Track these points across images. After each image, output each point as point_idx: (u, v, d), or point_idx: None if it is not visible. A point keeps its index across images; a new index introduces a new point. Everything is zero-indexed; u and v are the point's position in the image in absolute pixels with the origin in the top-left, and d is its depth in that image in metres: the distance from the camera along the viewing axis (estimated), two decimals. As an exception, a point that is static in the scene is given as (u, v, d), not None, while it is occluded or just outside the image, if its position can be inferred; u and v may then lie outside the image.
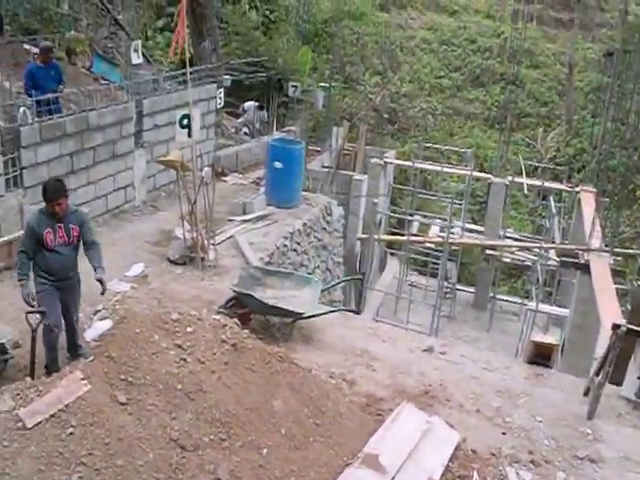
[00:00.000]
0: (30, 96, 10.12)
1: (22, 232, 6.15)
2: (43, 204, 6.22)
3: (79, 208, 6.53)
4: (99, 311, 7.60)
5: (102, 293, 6.42)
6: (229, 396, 5.53)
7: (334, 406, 6.34)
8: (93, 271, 6.33)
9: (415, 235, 15.98)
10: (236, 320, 6.32)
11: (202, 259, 9.04)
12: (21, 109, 9.47)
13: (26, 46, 13.81)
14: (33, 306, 6.12)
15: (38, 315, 6.15)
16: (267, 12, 22.31)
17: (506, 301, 16.91)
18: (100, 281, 6.29)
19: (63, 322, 6.51)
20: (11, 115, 9.33)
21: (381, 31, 25.88)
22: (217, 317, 6.23)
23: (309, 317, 8.04)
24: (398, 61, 26.60)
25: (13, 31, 14.22)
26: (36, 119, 9.50)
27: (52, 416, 4.83)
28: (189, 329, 5.69)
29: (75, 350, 6.75)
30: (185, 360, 5.44)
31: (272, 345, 6.76)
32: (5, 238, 8.69)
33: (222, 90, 13.72)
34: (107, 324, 7.03)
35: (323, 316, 8.30)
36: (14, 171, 9.06)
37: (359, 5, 28.00)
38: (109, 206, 10.75)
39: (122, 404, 5.09)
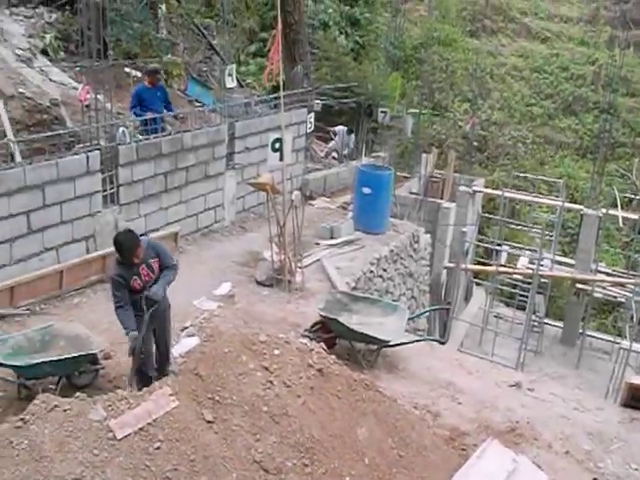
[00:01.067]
0: (137, 115, 10.56)
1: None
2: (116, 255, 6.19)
3: (149, 238, 6.53)
4: (187, 328, 7.72)
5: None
6: (314, 421, 5.47)
7: (419, 438, 6.18)
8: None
9: (503, 266, 15.58)
10: (322, 345, 6.26)
11: (289, 282, 9.06)
12: (120, 129, 9.82)
13: (127, 69, 14.36)
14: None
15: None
16: (357, 38, 22.48)
17: (596, 338, 16.19)
18: (147, 297, 6.19)
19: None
20: (111, 135, 9.66)
21: (471, 58, 25.63)
22: (304, 341, 6.19)
23: (395, 345, 7.92)
24: (488, 88, 26.24)
25: (116, 55, 14.80)
26: (139, 137, 9.86)
27: (141, 429, 4.88)
28: (276, 351, 5.66)
29: (164, 370, 6.83)
30: (271, 383, 5.41)
31: (356, 372, 6.67)
32: (100, 252, 8.99)
33: (312, 114, 13.85)
34: (194, 341, 7.16)
35: (408, 345, 8.17)
36: (111, 188, 9.40)
37: (449, 32, 27.83)
38: (199, 225, 10.98)
39: (208, 422, 5.10)
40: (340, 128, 16.99)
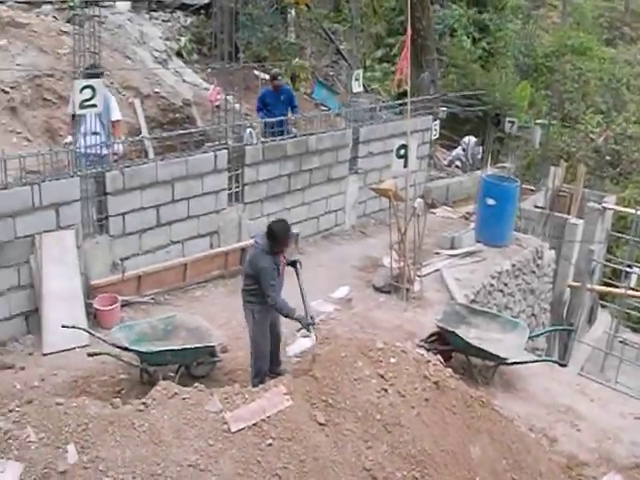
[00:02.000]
0: (261, 118, 10.83)
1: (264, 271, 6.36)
2: (260, 243, 6.41)
3: None
4: (302, 329, 7.76)
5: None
6: (426, 434, 5.36)
7: (534, 462, 5.93)
8: None
9: (633, 289, 14.70)
10: (439, 357, 6.12)
11: (407, 290, 8.94)
12: (248, 130, 10.05)
13: (256, 72, 14.75)
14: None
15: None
16: (485, 44, 21.97)
17: None
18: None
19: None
20: (239, 135, 9.91)
21: (607, 67, 24.44)
22: (421, 352, 6.09)
23: (513, 363, 7.63)
24: (624, 100, 24.93)
25: (246, 58, 15.22)
26: (261, 139, 10.04)
27: (254, 425, 4.96)
28: (392, 360, 5.59)
29: (276, 367, 6.91)
30: (386, 391, 5.35)
31: (472, 388, 6.48)
32: (223, 249, 9.23)
33: (438, 122, 13.64)
34: (309, 342, 7.20)
35: (527, 364, 7.87)
36: (237, 187, 9.62)
37: (584, 39, 26.66)
38: (320, 228, 11.07)
39: (320, 424, 5.11)
40: (469, 138, 16.65)
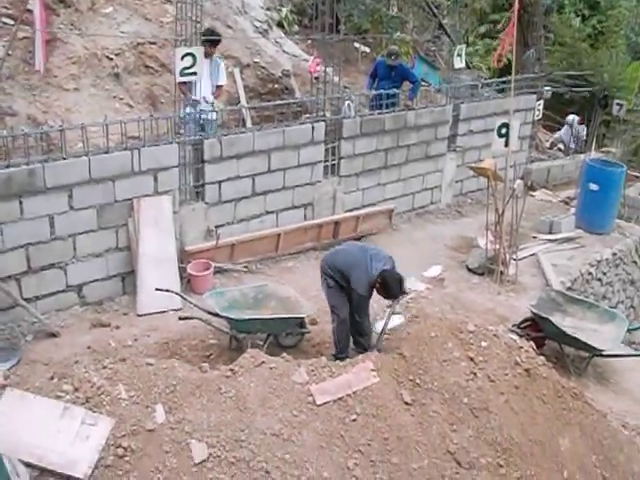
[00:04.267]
0: (368, 87, 10.89)
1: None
2: (372, 272, 6.25)
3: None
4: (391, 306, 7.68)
5: None
6: (514, 422, 5.21)
7: (626, 461, 5.69)
8: None
9: None
10: (532, 344, 5.91)
11: (501, 272, 8.69)
12: (346, 102, 9.95)
13: (356, 44, 14.58)
14: None
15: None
16: (596, 22, 20.92)
17: None
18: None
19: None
20: (337, 107, 9.84)
21: None
22: (514, 337, 5.90)
23: (609, 356, 7.31)
24: None
25: (346, 30, 15.07)
26: (364, 111, 9.92)
27: (340, 399, 4.96)
28: (484, 343, 5.46)
29: (362, 340, 6.84)
30: (475, 374, 5.23)
31: (564, 378, 6.24)
32: (316, 221, 9.23)
33: (541, 102, 13.13)
34: (398, 320, 7.13)
35: (623, 358, 7.52)
36: (332, 160, 9.59)
37: None
38: (415, 205, 10.91)
39: (406, 404, 5.06)
40: (572, 117, 15.98)
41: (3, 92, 8.71)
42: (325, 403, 4.89)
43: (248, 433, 4.65)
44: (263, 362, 5.11)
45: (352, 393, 4.95)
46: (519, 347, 5.61)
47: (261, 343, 6.68)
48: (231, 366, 5.16)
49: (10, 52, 8.95)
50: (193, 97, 8.48)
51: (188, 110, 8.43)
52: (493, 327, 5.93)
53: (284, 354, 5.45)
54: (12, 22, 9.26)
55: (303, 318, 6.89)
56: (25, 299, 6.94)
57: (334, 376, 5.02)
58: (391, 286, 6.10)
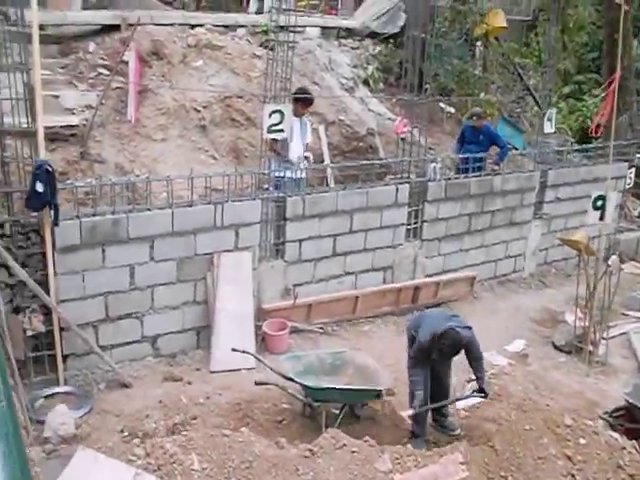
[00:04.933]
0: (456, 151, 10.72)
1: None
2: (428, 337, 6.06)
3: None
4: (472, 380, 7.29)
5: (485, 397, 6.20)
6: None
7: None
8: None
9: None
10: (635, 444, 5.42)
11: (590, 352, 8.18)
12: (432, 165, 9.74)
13: (441, 105, 14.41)
14: None
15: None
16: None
17: None
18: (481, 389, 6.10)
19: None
20: (422, 169, 9.64)
21: None
22: (615, 435, 5.42)
23: None
24: None
25: (432, 90, 14.97)
26: (449, 174, 9.81)
27: (423, 494, 4.61)
28: (582, 441, 5.03)
29: (443, 418, 6.52)
30: (573, 477, 4.80)
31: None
32: (396, 285, 8.98)
33: (633, 169, 12.61)
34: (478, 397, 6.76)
35: None
36: (415, 222, 9.36)
37: None
38: (497, 272, 10.53)
39: (496, 503, 4.66)
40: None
41: (94, 140, 8.87)
42: (408, 497, 4.56)
43: (325, 522, 4.36)
44: (344, 445, 4.82)
45: (438, 486, 4.61)
46: (622, 448, 5.14)
47: (336, 412, 6.39)
48: (310, 446, 4.90)
49: (103, 101, 9.14)
50: (286, 157, 8.52)
51: (282, 174, 8.44)
52: (591, 422, 5.47)
53: (367, 438, 5.12)
54: (107, 72, 9.49)
55: (381, 390, 6.57)
56: (101, 347, 6.91)
57: (419, 466, 4.68)
58: (447, 343, 5.85)
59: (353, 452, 4.76)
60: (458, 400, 6.41)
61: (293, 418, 6.54)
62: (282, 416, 6.57)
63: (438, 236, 9.62)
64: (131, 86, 8.97)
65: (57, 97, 8.87)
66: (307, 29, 13.47)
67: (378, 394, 6.58)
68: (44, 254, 6.50)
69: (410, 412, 6.04)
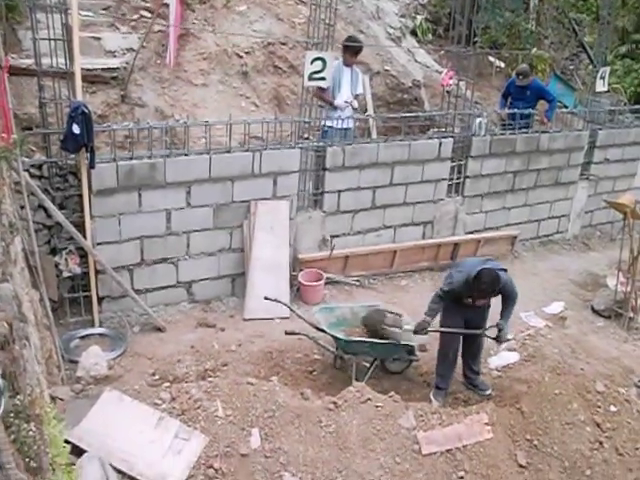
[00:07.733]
0: (501, 106, 10.47)
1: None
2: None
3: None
4: (508, 340, 7.19)
5: (497, 340, 6.08)
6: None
7: None
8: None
9: None
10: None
11: (630, 318, 7.98)
12: (477, 119, 9.45)
13: (491, 58, 13.95)
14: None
15: None
16: None
17: None
18: (499, 329, 5.97)
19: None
20: (467, 124, 9.38)
21: None
22: (645, 399, 5.29)
23: None
24: None
25: (481, 43, 14.48)
26: (494, 130, 9.53)
27: (448, 451, 4.57)
28: (613, 408, 4.91)
29: (474, 376, 6.45)
30: (601, 444, 4.69)
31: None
32: (436, 240, 8.86)
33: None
34: (514, 356, 6.75)
35: None
36: (457, 178, 9.17)
37: None
38: (539, 233, 10.30)
39: (520, 466, 4.60)
40: None
41: (134, 83, 8.80)
42: (431, 454, 4.51)
43: (345, 475, 4.35)
44: (369, 399, 4.79)
45: (462, 447, 4.54)
46: (654, 418, 5.02)
47: (367, 365, 6.38)
48: (334, 399, 4.87)
49: (145, 44, 9.03)
50: (335, 102, 8.47)
51: (329, 123, 8.38)
52: (624, 390, 5.33)
53: (392, 393, 5.08)
54: (149, 15, 9.36)
55: (414, 345, 6.51)
56: (136, 290, 6.97)
57: (444, 425, 4.63)
58: (486, 280, 5.68)
59: (377, 407, 4.73)
60: (461, 334, 6.24)
61: (324, 369, 6.55)
62: (313, 367, 6.59)
63: (480, 193, 9.41)
64: (171, 29, 8.82)
65: (99, 39, 8.77)
66: (355, -24, 13.08)
67: (410, 350, 6.54)
68: (81, 196, 6.52)
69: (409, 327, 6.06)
